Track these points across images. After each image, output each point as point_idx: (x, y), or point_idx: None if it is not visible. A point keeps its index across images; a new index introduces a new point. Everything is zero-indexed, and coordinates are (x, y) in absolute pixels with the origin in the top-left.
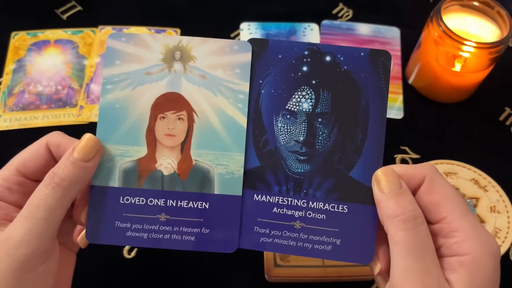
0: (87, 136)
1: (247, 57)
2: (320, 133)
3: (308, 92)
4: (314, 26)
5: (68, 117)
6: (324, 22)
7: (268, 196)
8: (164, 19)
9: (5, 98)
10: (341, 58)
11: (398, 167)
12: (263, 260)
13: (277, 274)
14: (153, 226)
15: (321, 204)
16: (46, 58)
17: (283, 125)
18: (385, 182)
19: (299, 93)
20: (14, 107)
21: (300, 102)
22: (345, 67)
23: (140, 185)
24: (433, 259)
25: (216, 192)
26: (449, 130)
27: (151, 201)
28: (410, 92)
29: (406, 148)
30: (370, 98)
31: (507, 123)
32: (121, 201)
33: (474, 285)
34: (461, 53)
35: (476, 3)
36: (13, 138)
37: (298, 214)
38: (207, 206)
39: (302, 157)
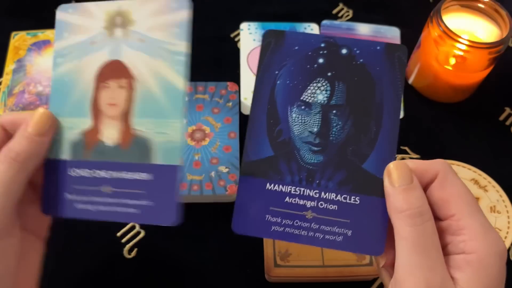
0: (41, 110)
1: (184, 14)
2: (334, 124)
3: (324, 83)
4: (314, 26)
5: None
6: (324, 22)
7: (280, 186)
8: None
9: (5, 98)
10: (357, 51)
11: (411, 162)
12: (263, 260)
13: (277, 274)
14: (98, 198)
15: (333, 195)
16: (46, 58)
17: (297, 115)
18: (396, 176)
19: (315, 84)
20: (14, 107)
21: (315, 93)
22: (361, 60)
23: (86, 157)
24: (438, 256)
25: (157, 162)
26: (449, 130)
27: (96, 173)
28: (410, 92)
29: (406, 148)
30: (384, 92)
31: (507, 123)
32: (70, 174)
33: (480, 284)
34: (460, 53)
35: (476, 3)
36: None
37: (310, 204)
38: (149, 177)
39: (315, 148)
